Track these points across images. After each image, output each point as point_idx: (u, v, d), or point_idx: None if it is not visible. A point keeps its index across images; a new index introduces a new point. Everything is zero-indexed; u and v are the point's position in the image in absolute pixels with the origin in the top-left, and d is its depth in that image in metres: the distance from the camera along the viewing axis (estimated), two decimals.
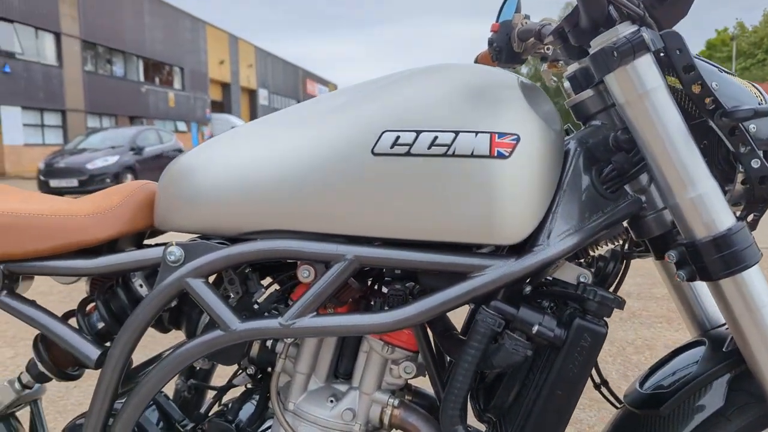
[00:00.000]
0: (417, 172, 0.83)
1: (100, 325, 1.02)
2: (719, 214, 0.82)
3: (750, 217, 0.88)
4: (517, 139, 0.82)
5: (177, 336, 1.04)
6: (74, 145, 14.29)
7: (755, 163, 0.83)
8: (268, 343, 1.02)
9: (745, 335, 0.85)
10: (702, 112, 0.85)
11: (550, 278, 0.93)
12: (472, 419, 0.93)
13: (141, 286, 1.00)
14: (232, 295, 0.98)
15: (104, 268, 0.96)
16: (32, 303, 0.99)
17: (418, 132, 0.84)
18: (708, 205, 0.83)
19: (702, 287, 1.10)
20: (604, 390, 1.08)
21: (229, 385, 1.13)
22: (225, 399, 1.17)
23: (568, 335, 0.86)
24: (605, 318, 0.88)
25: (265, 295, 0.99)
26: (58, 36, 22.38)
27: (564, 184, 0.87)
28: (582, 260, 1.01)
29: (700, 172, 0.83)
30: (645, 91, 0.82)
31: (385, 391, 0.99)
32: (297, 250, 0.89)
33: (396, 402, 0.99)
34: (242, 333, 0.90)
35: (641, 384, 1.00)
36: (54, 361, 1.04)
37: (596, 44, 0.84)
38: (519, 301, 0.88)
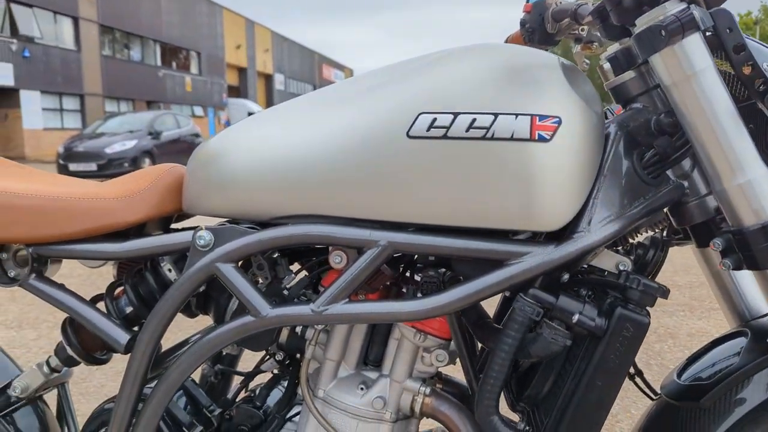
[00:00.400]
0: (454, 155, 0.81)
1: (129, 309, 1.01)
2: None
3: None
4: (559, 122, 0.79)
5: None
6: (93, 129, 14.42)
7: None
8: (298, 329, 1.01)
9: None
10: (752, 95, 0.82)
11: (587, 266, 0.91)
12: (504, 408, 0.91)
13: (170, 270, 0.99)
14: (261, 281, 0.97)
15: (133, 252, 0.95)
16: (61, 286, 0.98)
17: (456, 114, 0.81)
18: (758, 191, 0.80)
19: (742, 276, 1.07)
20: (638, 381, 1.06)
21: (257, 371, 1.12)
22: (251, 385, 1.16)
23: (609, 325, 0.83)
24: (648, 308, 0.85)
25: (294, 281, 0.98)
26: (76, 20, 22.50)
27: (605, 168, 0.84)
28: (620, 248, 0.98)
29: (749, 157, 0.80)
30: (693, 72, 0.79)
31: (417, 379, 0.98)
32: (329, 236, 0.87)
33: (428, 390, 0.97)
34: (273, 319, 0.88)
35: (679, 375, 0.97)
36: (82, 345, 1.04)
37: (642, 23, 0.81)
38: (557, 289, 0.85)
